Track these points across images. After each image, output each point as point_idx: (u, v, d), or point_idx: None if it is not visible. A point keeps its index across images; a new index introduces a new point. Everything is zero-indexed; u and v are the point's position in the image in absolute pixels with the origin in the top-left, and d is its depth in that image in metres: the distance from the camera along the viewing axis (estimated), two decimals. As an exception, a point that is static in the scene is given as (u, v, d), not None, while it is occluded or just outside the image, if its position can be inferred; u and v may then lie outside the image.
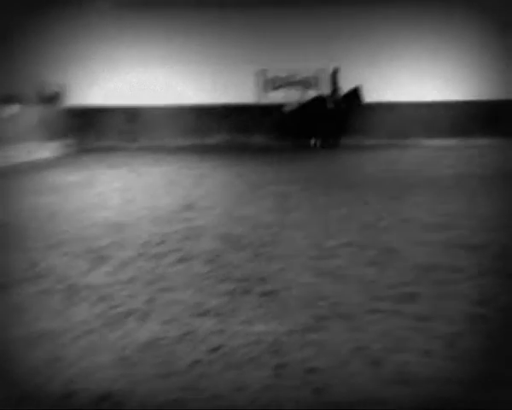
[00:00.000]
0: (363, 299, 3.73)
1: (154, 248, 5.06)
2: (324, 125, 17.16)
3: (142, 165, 12.37)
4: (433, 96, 18.28)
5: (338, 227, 5.86)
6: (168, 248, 5.00)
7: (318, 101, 17.30)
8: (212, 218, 6.36)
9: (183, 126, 18.43)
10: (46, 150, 15.53)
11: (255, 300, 3.69)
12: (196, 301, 3.67)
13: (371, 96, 18.43)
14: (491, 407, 2.41)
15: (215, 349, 2.97)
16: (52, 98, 17.77)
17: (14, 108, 14.17)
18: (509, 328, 3.25)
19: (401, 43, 18.57)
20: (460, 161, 12.16)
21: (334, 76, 17.24)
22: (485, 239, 5.27)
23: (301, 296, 3.75)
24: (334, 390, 2.58)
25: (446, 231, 5.63)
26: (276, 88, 19.16)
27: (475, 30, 18.48)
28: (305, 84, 19.14)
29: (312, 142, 17.07)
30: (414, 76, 18.45)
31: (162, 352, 2.96)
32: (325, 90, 18.82)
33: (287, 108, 18.74)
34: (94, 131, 18.26)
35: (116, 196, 8.07)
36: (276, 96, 19.06)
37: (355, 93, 16.73)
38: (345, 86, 18.28)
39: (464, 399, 2.47)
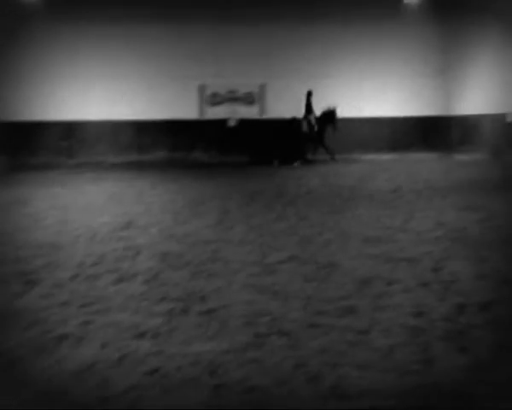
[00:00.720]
0: (302, 315, 3.73)
1: (89, 268, 4.90)
2: (294, 145, 17.08)
3: (79, 182, 12.04)
4: (373, 112, 18.79)
5: (278, 243, 5.87)
6: (104, 269, 4.85)
7: (295, 123, 17.27)
8: (150, 236, 6.24)
9: (122, 142, 18.08)
10: (-23, 168, 14.87)
11: (194, 319, 3.62)
12: (133, 322, 3.57)
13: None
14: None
15: (152, 372, 2.89)
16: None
17: None
18: (443, 340, 3.32)
19: (342, 60, 19.03)
20: (399, 174, 12.52)
21: (308, 98, 17.28)
22: (421, 252, 5.41)
23: (241, 314, 3.71)
24: (273, 409, 2.55)
25: (385, 245, 5.75)
26: (216, 103, 19.18)
27: (415, 48, 19.20)
28: (247, 99, 19.27)
29: (275, 162, 16.41)
30: (354, 92, 18.92)
31: (96, 378, 2.85)
32: (264, 105, 19.05)
33: (230, 123, 18.79)
34: (28, 147, 17.62)
35: (51, 214, 7.79)
36: (217, 112, 19.07)
37: (330, 115, 16.86)
38: (276, 103, 18.62)
39: (400, 411, 2.50)
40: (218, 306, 3.88)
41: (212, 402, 2.60)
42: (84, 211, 8.11)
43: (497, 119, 16.72)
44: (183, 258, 5.19)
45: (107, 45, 18.13)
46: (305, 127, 17.06)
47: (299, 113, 18.71)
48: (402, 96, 18.95)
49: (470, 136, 18.12)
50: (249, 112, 19.18)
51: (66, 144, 17.75)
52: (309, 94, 17.25)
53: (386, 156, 17.38)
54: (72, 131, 17.91)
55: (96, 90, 18.11)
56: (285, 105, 18.82)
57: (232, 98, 19.26)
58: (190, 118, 18.68)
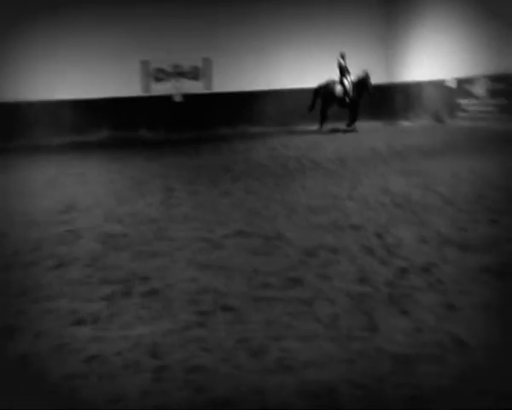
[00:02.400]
0: (247, 289, 3.68)
1: (27, 255, 4.68)
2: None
3: (17, 166, 11.56)
4: (319, 83, 18.82)
5: (224, 218, 5.79)
6: (42, 255, 4.65)
7: (328, 87, 16.22)
8: (92, 218, 6.04)
9: (64, 123, 17.48)
10: None
11: (136, 301, 3.51)
12: (71, 309, 3.43)
13: (258, 84, 18.64)
14: (373, 387, 2.44)
15: (91, 359, 2.78)
16: None
17: None
18: (386, 304, 3.34)
19: (289, 32, 18.90)
20: (345, 144, 12.60)
21: (342, 61, 16.23)
22: (366, 218, 5.45)
23: (185, 292, 3.63)
24: (217, 387, 2.50)
25: (331, 213, 5.76)
26: (161, 79, 18.75)
27: (358, 18, 19.27)
28: (192, 74, 18.93)
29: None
30: (301, 63, 18.87)
31: (32, 368, 2.72)
32: (210, 79, 18.79)
33: (176, 99, 18.43)
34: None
35: (-12, 201, 7.45)
36: (161, 88, 18.66)
37: (364, 81, 15.92)
38: (222, 77, 18.43)
39: (343, 379, 2.49)
40: (161, 285, 3.78)
41: (154, 386, 2.52)
42: (22, 196, 7.78)
43: (438, 85, 17.04)
44: (125, 239, 5.04)
45: (44, 24, 17.37)
46: (338, 92, 16.05)
47: (246, 86, 18.58)
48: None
49: (414, 103, 18.44)
50: (195, 87, 18.86)
51: (4, 126, 16.95)
52: (342, 56, 16.36)
53: (331, 126, 17.47)
54: (10, 112, 17.12)
55: (36, 71, 17.38)
56: (232, 79, 18.63)
57: (177, 73, 18.87)
58: (134, 95, 18.22)
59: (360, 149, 11.41)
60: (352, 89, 15.95)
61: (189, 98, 18.57)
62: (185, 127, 17.95)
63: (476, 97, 15.47)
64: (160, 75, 18.77)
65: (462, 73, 15.98)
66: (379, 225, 5.18)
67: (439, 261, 4.04)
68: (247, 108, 18.55)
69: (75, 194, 7.63)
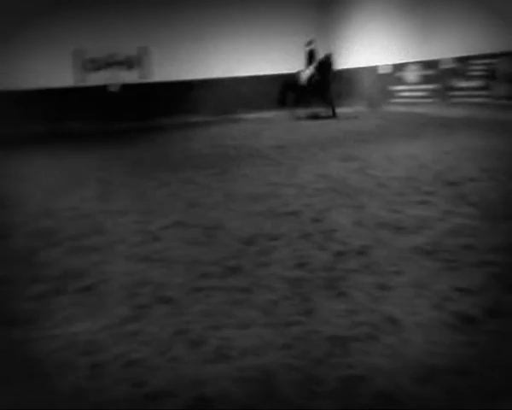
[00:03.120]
0: (185, 280, 3.65)
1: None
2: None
3: None
4: (256, 71, 18.84)
5: (162, 209, 5.72)
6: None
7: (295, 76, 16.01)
8: (22, 214, 5.81)
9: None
10: None
11: (70, 298, 3.42)
12: (1, 310, 3.29)
13: (196, 73, 18.46)
14: (310, 369, 2.48)
15: (22, 362, 2.68)
16: None
17: None
18: (323, 288, 3.40)
19: (226, 20, 18.77)
20: (283, 131, 12.70)
21: (309, 48, 15.91)
22: (303, 204, 5.51)
23: (121, 286, 3.56)
24: (155, 380, 2.47)
25: (269, 201, 5.79)
26: (95, 69, 18.24)
27: (294, 6, 19.37)
28: (128, 63, 18.52)
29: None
30: (238, 52, 18.82)
31: (-42, 375, 2.60)
32: (146, 69, 18.44)
33: (112, 89, 17.99)
34: None
35: None
36: (96, 78, 18.17)
37: (324, 63, 15.37)
38: (159, 66, 18.12)
39: (280, 363, 2.52)
40: (96, 281, 3.69)
41: (89, 383, 2.46)
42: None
43: (372, 71, 17.43)
44: (58, 234, 4.88)
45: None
46: (302, 80, 15.74)
47: (185, 75, 18.32)
48: (284, 53, 19.14)
49: (349, 89, 18.77)
50: (131, 76, 18.48)
51: None
52: (309, 43, 16.04)
53: (270, 114, 17.57)
54: None
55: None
56: (169, 68, 18.35)
57: (112, 63, 18.41)
58: (66, 85, 17.65)
59: (299, 135, 11.53)
60: (313, 74, 15.50)
61: (126, 88, 18.19)
62: (122, 118, 17.58)
63: (408, 83, 15.94)
64: (95, 65, 18.26)
65: (395, 59, 16.40)
66: (316, 210, 5.25)
67: (374, 243, 4.14)
68: (185, 98, 18.36)
69: (6, 189, 7.33)
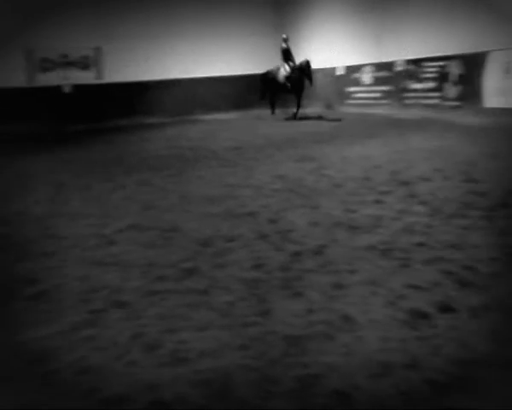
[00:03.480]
0: (141, 283, 3.61)
1: None
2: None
3: None
4: (214, 71, 18.78)
5: (118, 212, 5.63)
6: None
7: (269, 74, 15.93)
8: (-28, 219, 5.62)
9: None
10: None
11: (21, 305, 3.32)
12: None
13: (153, 74, 18.25)
14: (267, 370, 2.49)
15: (-30, 371, 2.59)
16: None
17: None
18: (280, 288, 3.41)
19: (183, 20, 18.63)
20: (241, 132, 12.71)
21: (285, 44, 15.54)
22: (260, 205, 5.52)
23: (75, 291, 3.49)
24: (110, 385, 2.43)
25: (226, 202, 5.78)
26: (48, 69, 17.80)
27: (252, 7, 19.39)
28: (82, 63, 18.15)
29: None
30: (195, 52, 18.71)
31: None
32: (101, 69, 18.12)
33: (65, 90, 17.59)
34: None
35: None
36: (49, 78, 17.72)
37: (303, 68, 15.01)
38: (114, 67, 17.82)
39: (237, 364, 2.52)
40: (49, 286, 3.60)
41: (42, 393, 2.40)
42: None
43: (329, 73, 17.64)
44: (9, 239, 4.75)
45: None
46: (281, 77, 15.46)
47: (141, 76, 18.07)
48: (241, 54, 19.17)
49: (306, 90, 18.92)
50: (85, 77, 18.12)
51: None
52: (285, 40, 15.62)
53: (227, 115, 17.56)
54: None
55: None
56: (125, 69, 18.08)
57: (65, 63, 18.00)
58: (18, 86, 17.14)
59: (255, 136, 11.56)
60: (292, 73, 15.22)
61: (80, 89, 17.81)
62: (76, 119, 17.20)
63: (364, 85, 16.21)
64: (47, 65, 17.82)
65: (350, 61, 16.65)
66: (273, 211, 5.28)
67: (330, 243, 4.19)
68: (141, 99, 18.12)
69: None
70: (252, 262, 3.89)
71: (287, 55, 15.53)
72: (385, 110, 14.59)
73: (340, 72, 17.21)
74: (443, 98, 12.91)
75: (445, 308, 2.97)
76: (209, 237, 4.53)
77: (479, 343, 2.58)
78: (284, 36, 15.65)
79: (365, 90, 16.13)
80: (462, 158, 7.23)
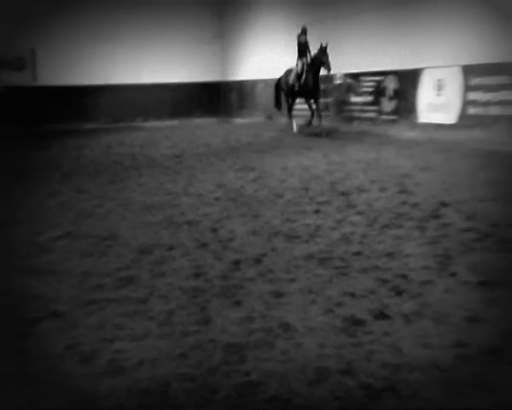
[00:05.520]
0: (78, 292, 3.52)
1: None
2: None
3: None
4: (154, 79, 18.61)
5: (53, 220, 5.48)
6: None
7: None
8: None
9: None
10: None
11: None
12: None
13: (92, 78, 17.87)
14: (206, 378, 2.48)
15: None
16: None
17: None
18: (220, 296, 3.42)
19: (120, 25, 18.36)
20: (181, 140, 12.64)
21: (302, 38, 13.14)
22: (201, 214, 5.52)
23: (9, 302, 3.37)
24: (45, 398, 2.35)
25: (166, 210, 5.74)
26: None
27: (192, 14, 19.36)
28: (15, 64, 17.54)
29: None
30: (134, 59, 18.48)
31: None
32: (36, 70, 17.58)
33: None
34: None
35: None
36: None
37: (319, 58, 12.63)
38: (49, 68, 17.31)
39: (175, 373, 2.50)
40: (-21, 296, 3.45)
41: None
42: None
43: (270, 84, 17.84)
44: None
45: None
46: (292, 78, 13.07)
47: (80, 80, 17.61)
48: (182, 62, 19.11)
49: (247, 100, 19.10)
50: (19, 78, 17.51)
51: None
52: (303, 32, 13.13)
53: (168, 123, 17.45)
54: None
55: None
56: (62, 72, 17.62)
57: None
58: None
59: (196, 145, 11.54)
60: (304, 71, 12.77)
61: (13, 91, 17.18)
62: (9, 123, 16.54)
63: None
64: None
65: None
66: (214, 219, 5.28)
67: (270, 252, 4.24)
68: (80, 104, 17.70)
69: None
70: (192, 271, 3.88)
71: (303, 51, 13.04)
72: (324, 122, 14.90)
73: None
74: (379, 112, 13.33)
75: (380, 315, 3.07)
76: (148, 246, 4.48)
77: (411, 348, 2.68)
78: (303, 27, 13.17)
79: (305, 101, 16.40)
80: (397, 170, 7.49)
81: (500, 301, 3.20)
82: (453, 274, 3.65)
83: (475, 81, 11.39)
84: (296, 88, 12.91)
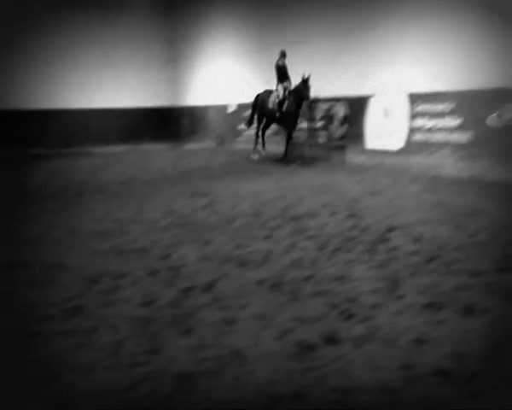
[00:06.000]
0: (23, 324, 3.39)
1: None
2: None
3: None
4: (104, 103, 18.40)
5: (-4, 248, 5.28)
6: None
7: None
8: None
9: None
10: None
11: None
12: None
13: (37, 102, 17.47)
14: (152, 407, 2.43)
15: None
16: None
17: None
18: (170, 325, 3.37)
19: (67, 49, 18.09)
20: (131, 166, 12.49)
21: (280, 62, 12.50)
22: (151, 241, 5.44)
23: None
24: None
25: (115, 238, 5.63)
26: None
27: (142, 39, 19.32)
28: None
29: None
30: (82, 82, 18.22)
31: None
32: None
33: None
34: None
35: None
36: None
37: (299, 89, 11.97)
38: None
39: (122, 406, 2.44)
40: None
41: None
42: None
43: (221, 110, 17.97)
44: None
45: None
46: (271, 102, 12.35)
47: (24, 104, 17.17)
48: (132, 86, 19.00)
49: (198, 126, 19.13)
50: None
51: None
52: (282, 55, 12.46)
53: (118, 148, 17.23)
54: None
55: None
56: (8, 94, 17.11)
57: None
58: None
59: (147, 171, 11.43)
60: (286, 99, 12.16)
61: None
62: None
63: (254, 122, 16.66)
64: None
65: (242, 99, 17.08)
66: (164, 246, 5.22)
67: (221, 278, 4.22)
68: (26, 129, 17.24)
69: None
70: (141, 299, 3.81)
71: (282, 74, 12.46)
72: (276, 147, 15.06)
73: (231, 109, 17.59)
74: (330, 138, 13.60)
75: (331, 340, 3.09)
76: (97, 274, 4.38)
77: (361, 372, 2.71)
78: (282, 50, 12.62)
79: (255, 127, 16.58)
80: (347, 195, 7.63)
81: (446, 323, 3.28)
82: (401, 297, 3.72)
83: (420, 108, 11.83)
84: (277, 114, 12.29)
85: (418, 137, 11.94)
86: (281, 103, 12.12)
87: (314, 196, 7.68)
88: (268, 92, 12.66)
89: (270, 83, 15.60)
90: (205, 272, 4.38)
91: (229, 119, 17.67)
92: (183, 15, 19.51)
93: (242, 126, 16.70)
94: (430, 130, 11.66)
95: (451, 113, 11.20)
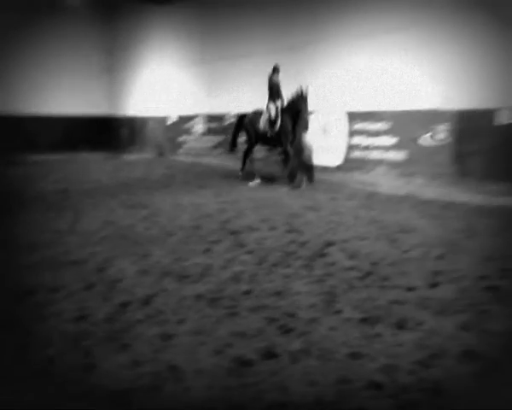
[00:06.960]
0: None
1: None
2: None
3: None
4: (39, 111, 17.88)
5: None
6: None
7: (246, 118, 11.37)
8: None
9: None
10: None
11: None
12: None
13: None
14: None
15: None
16: None
17: None
18: (105, 340, 3.29)
19: (11, 52, 17.49)
20: (68, 176, 12.15)
21: (273, 78, 10.91)
22: (87, 253, 5.30)
23: None
24: None
25: (50, 249, 5.45)
26: None
27: (79, 48, 18.90)
28: None
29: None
30: (20, 88, 17.63)
31: None
32: None
33: None
34: None
35: None
36: None
37: (296, 104, 10.38)
38: None
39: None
40: None
41: None
42: None
43: (161, 121, 17.84)
44: None
45: None
46: (262, 122, 11.07)
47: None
48: (70, 94, 18.59)
49: (138, 136, 18.91)
50: None
51: None
52: (274, 70, 11.00)
53: (54, 157, 16.75)
54: None
55: None
56: None
57: None
58: None
59: (85, 180, 11.16)
60: (279, 117, 10.83)
61: None
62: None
63: (195, 134, 16.65)
64: None
65: (183, 111, 17.04)
66: (101, 259, 5.10)
67: (159, 292, 4.16)
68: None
69: None
70: (76, 313, 3.71)
71: (275, 92, 11.01)
72: (216, 160, 15.08)
73: (172, 121, 17.49)
74: (271, 153, 13.74)
75: (268, 354, 3.11)
76: (29, 288, 4.22)
77: (297, 386, 2.74)
78: (276, 65, 11.08)
79: (197, 139, 16.56)
80: (287, 209, 7.72)
81: (380, 337, 3.37)
82: (338, 312, 3.79)
83: (358, 127, 12.18)
84: (269, 134, 11.00)
85: (356, 154, 12.29)
86: (273, 123, 10.88)
87: (254, 210, 7.72)
88: (258, 114, 11.32)
89: (210, 94, 15.65)
90: (142, 286, 4.31)
91: (169, 130, 17.58)
92: (123, 24, 19.30)
93: (183, 138, 16.67)
94: (367, 148, 12.03)
95: (387, 132, 11.61)
